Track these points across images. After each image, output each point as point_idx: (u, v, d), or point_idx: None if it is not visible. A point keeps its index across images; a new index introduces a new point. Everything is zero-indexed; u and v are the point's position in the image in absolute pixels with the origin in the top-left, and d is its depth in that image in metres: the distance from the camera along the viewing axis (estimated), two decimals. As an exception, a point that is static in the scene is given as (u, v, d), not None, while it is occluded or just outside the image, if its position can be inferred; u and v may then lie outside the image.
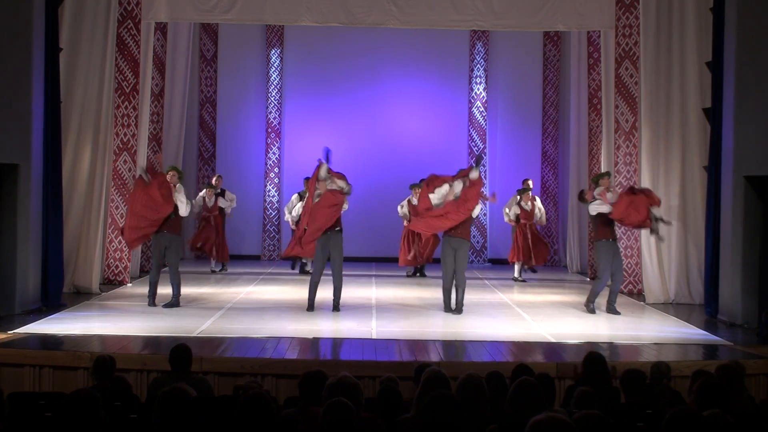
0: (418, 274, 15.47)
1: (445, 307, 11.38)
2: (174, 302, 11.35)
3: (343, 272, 11.56)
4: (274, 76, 18.15)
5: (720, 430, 4.18)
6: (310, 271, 12.53)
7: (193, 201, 14.25)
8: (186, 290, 12.07)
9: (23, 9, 10.78)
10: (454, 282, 11.29)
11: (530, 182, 15.68)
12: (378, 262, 16.99)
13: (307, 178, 12.56)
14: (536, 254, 15.00)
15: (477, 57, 18.14)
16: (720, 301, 11.24)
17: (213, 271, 15.46)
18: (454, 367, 7.82)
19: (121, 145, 13.35)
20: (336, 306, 11.34)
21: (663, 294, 12.66)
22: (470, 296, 12.68)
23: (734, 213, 10.92)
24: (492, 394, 5.16)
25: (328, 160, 11.44)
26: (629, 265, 13.35)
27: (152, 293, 11.37)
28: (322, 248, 11.30)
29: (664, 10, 12.69)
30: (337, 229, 11.32)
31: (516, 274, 15.13)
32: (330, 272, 11.45)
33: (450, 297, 11.38)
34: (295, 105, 18.25)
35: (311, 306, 11.28)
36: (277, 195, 17.95)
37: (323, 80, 18.15)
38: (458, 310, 11.26)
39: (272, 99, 18.15)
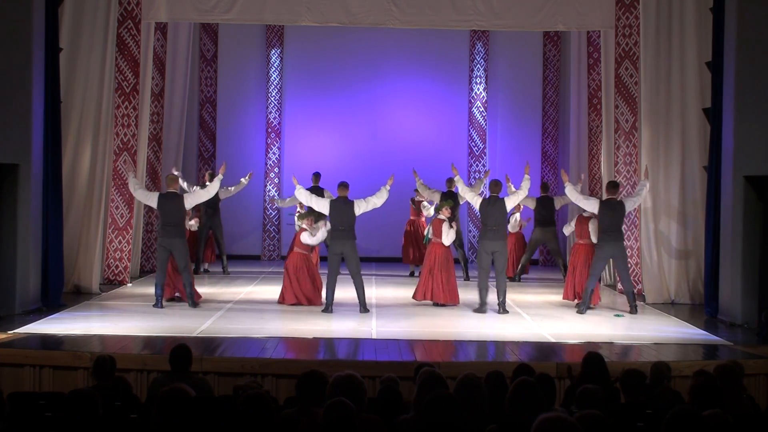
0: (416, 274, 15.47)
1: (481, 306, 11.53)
2: (192, 303, 11.48)
3: (343, 272, 11.62)
4: (274, 76, 18.15)
5: (720, 430, 4.18)
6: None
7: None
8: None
9: (23, 9, 10.77)
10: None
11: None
12: (378, 262, 16.99)
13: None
14: None
15: (477, 57, 18.13)
16: (720, 301, 11.23)
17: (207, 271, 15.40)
18: (453, 367, 7.83)
19: (121, 145, 13.35)
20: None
21: (663, 294, 12.65)
22: (470, 296, 12.68)
23: (734, 213, 10.92)
24: (492, 394, 5.16)
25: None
26: (629, 265, 13.33)
27: (161, 294, 11.39)
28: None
29: (664, 10, 12.68)
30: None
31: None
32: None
33: (486, 296, 11.54)
34: (295, 105, 18.25)
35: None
36: (277, 195, 17.94)
37: (323, 80, 18.15)
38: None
39: (272, 99, 18.15)
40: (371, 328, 10.34)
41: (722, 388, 5.31)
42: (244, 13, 13.40)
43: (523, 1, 13.36)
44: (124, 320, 10.43)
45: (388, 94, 18.17)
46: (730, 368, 5.93)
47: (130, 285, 13.34)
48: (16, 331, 9.54)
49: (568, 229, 12.39)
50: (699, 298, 12.34)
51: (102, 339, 9.23)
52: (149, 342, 9.10)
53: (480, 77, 18.12)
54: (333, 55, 18.07)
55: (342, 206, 11.47)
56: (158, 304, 11.29)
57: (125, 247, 13.40)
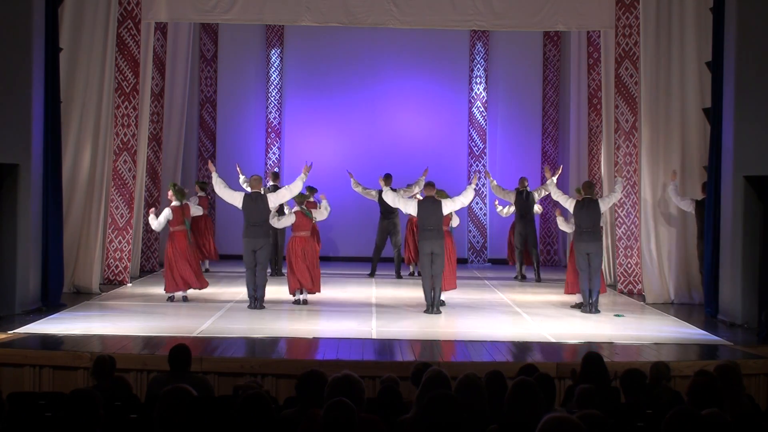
0: (417, 274, 15.47)
1: (585, 307, 11.53)
2: (260, 304, 11.49)
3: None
4: (274, 76, 18.15)
5: (719, 430, 4.18)
6: None
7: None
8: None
9: (23, 9, 10.78)
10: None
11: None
12: (378, 262, 16.96)
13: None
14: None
15: (477, 57, 18.13)
16: (720, 301, 11.23)
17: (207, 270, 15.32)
18: (454, 367, 7.83)
19: (121, 145, 13.35)
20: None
21: (663, 294, 12.65)
22: (470, 296, 12.71)
23: (734, 213, 10.92)
24: (492, 394, 5.15)
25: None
26: (629, 265, 13.36)
27: (253, 295, 11.47)
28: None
29: (664, 10, 12.68)
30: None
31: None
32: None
33: (588, 296, 11.54)
34: (295, 105, 18.24)
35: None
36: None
37: (323, 80, 18.14)
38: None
39: (272, 99, 18.15)
40: (371, 328, 10.34)
41: (722, 388, 5.30)
42: (244, 13, 13.41)
43: (523, 1, 13.37)
44: (124, 320, 10.43)
45: (388, 94, 18.17)
46: (730, 368, 5.94)
47: (130, 285, 13.33)
48: (16, 331, 9.54)
49: (568, 226, 12.07)
50: (699, 298, 12.35)
51: (102, 339, 9.23)
52: (149, 342, 9.10)
53: (480, 77, 18.11)
54: (333, 55, 18.06)
55: (430, 206, 11.41)
56: (252, 305, 11.41)
57: (125, 247, 13.40)
